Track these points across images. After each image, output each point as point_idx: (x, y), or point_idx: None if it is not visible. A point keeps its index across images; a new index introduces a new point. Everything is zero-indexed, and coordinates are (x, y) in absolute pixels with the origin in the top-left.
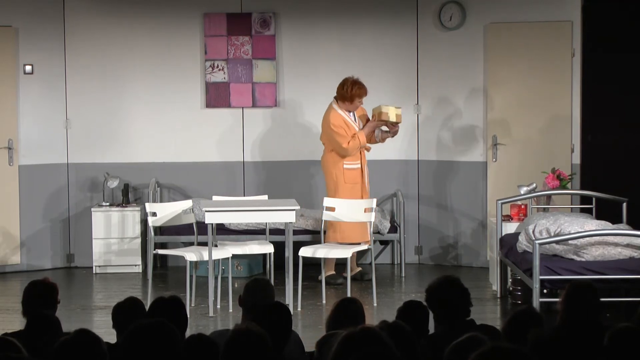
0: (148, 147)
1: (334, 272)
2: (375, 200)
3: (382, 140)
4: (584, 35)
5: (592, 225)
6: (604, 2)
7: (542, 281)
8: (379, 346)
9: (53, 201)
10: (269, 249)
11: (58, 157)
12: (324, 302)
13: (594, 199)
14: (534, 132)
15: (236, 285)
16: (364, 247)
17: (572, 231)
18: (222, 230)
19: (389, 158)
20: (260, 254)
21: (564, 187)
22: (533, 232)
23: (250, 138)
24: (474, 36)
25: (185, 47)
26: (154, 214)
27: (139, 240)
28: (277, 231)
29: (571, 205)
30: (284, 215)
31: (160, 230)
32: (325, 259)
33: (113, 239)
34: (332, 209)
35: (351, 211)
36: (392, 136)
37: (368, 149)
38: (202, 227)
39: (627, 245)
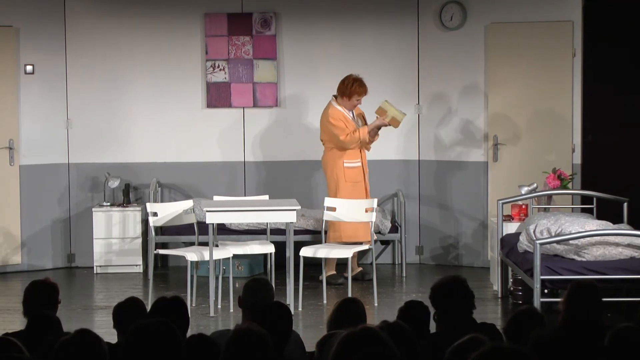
0: (149, 147)
1: (334, 272)
2: (376, 200)
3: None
4: (585, 35)
5: (593, 225)
6: (604, 2)
7: (543, 281)
8: (379, 346)
9: (54, 201)
10: (269, 249)
11: (59, 157)
12: (324, 302)
13: (594, 199)
14: (534, 132)
15: (237, 285)
16: (365, 247)
17: (573, 231)
18: (223, 230)
19: (389, 158)
20: (261, 254)
21: (565, 187)
22: (534, 232)
23: (251, 138)
24: (474, 36)
25: (186, 47)
26: (155, 214)
27: (139, 240)
28: (278, 231)
29: (572, 205)
30: (285, 215)
31: (161, 230)
32: (326, 259)
33: (114, 239)
34: (333, 209)
35: (352, 211)
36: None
37: (368, 148)
38: (203, 227)
39: (628, 245)
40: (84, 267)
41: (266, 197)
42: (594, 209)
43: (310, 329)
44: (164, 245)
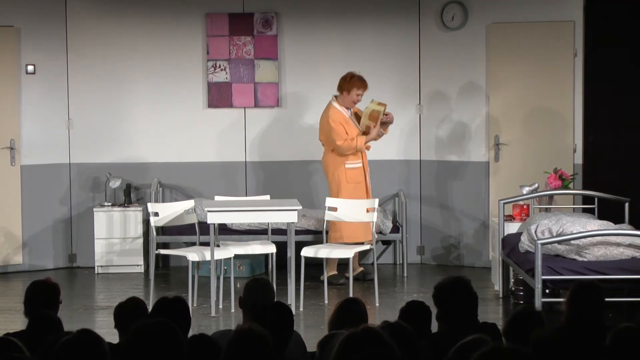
0: (150, 147)
1: (336, 272)
2: (377, 200)
3: (385, 131)
4: (586, 35)
5: (594, 225)
6: (605, 2)
7: (544, 281)
8: (380, 346)
9: (55, 201)
10: (271, 249)
11: (60, 157)
12: (326, 302)
13: (596, 199)
14: (536, 132)
15: (238, 286)
16: (366, 247)
17: (574, 231)
18: (224, 230)
19: (390, 158)
20: (262, 254)
21: (566, 187)
22: (535, 232)
23: (252, 138)
24: (475, 36)
25: (187, 47)
26: (156, 214)
27: (141, 241)
28: (279, 231)
29: (573, 205)
30: (286, 215)
31: (162, 230)
32: (327, 259)
33: (115, 239)
34: (334, 209)
35: (353, 211)
36: (391, 122)
37: (368, 147)
38: (204, 227)
39: (629, 246)
40: (85, 267)
41: (267, 197)
42: (595, 209)
43: (311, 329)
44: (165, 246)
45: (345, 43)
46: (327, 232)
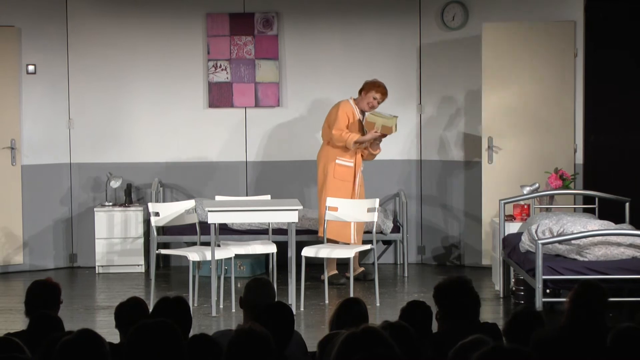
0: (151, 147)
1: (336, 272)
2: (377, 200)
3: (374, 150)
4: (587, 35)
5: (594, 225)
6: (606, 2)
7: (544, 281)
8: (381, 346)
9: (56, 201)
10: (271, 249)
11: (61, 157)
12: (326, 302)
13: (596, 199)
14: (536, 132)
15: (239, 285)
16: (367, 247)
17: (575, 231)
18: (225, 230)
19: (391, 158)
20: (262, 254)
21: (567, 187)
22: (536, 232)
23: (252, 138)
24: (476, 36)
25: (187, 47)
26: (157, 214)
27: (141, 240)
28: (279, 231)
29: (574, 205)
30: (287, 215)
31: (163, 230)
32: (327, 259)
33: (116, 239)
34: (334, 209)
35: (354, 211)
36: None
37: (370, 158)
38: (204, 227)
39: (630, 245)
40: (85, 267)
41: (268, 197)
42: (596, 209)
43: (312, 329)
44: (166, 245)
45: (346, 43)
46: (324, 232)
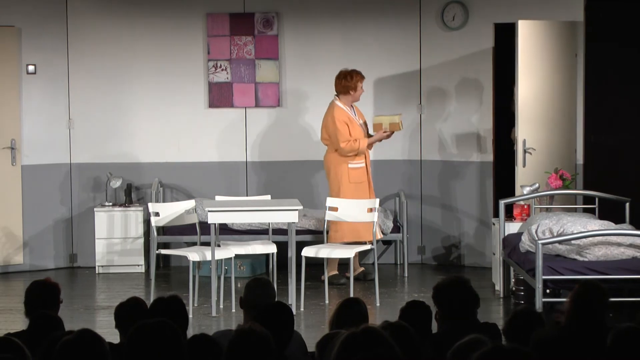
0: (151, 147)
1: (336, 272)
2: (378, 200)
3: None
4: (587, 35)
5: (595, 225)
6: (607, 1)
7: (544, 281)
8: (381, 346)
9: (56, 201)
10: (271, 249)
11: (61, 157)
12: (326, 302)
13: (596, 199)
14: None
15: (239, 285)
16: (367, 247)
17: (575, 231)
18: (225, 230)
19: (391, 158)
20: (263, 254)
21: (567, 187)
22: (536, 232)
23: (253, 138)
24: (477, 36)
25: (188, 47)
26: (157, 214)
27: (141, 240)
28: (279, 231)
29: (574, 205)
30: (287, 215)
31: (163, 230)
32: (328, 258)
33: (116, 239)
34: (334, 209)
35: (354, 211)
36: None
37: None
38: (204, 227)
39: (630, 245)
40: (85, 267)
41: (268, 197)
42: (596, 209)
43: (312, 329)
44: (166, 245)
45: (346, 43)
46: (327, 232)
